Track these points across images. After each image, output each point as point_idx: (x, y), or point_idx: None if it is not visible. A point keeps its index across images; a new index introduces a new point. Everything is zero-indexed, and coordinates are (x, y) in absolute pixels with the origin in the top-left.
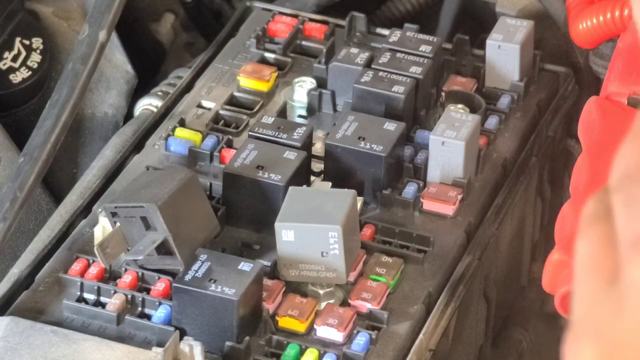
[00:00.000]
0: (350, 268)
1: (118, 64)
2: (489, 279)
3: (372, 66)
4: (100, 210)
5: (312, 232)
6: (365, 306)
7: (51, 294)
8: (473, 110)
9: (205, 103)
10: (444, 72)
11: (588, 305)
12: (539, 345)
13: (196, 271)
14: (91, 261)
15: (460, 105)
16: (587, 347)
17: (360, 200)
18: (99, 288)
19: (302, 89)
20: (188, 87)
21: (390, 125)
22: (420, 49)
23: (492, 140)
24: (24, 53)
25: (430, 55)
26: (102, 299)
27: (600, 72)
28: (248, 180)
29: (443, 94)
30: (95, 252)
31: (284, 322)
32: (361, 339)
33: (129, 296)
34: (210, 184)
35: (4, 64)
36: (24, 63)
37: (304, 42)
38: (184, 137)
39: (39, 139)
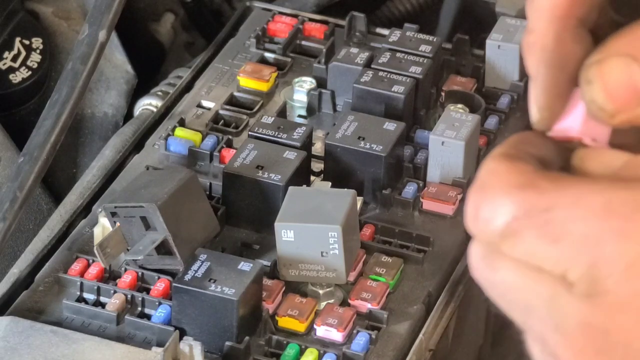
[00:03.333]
0: (350, 268)
1: (118, 64)
2: None
3: (372, 66)
4: (100, 210)
5: (311, 232)
6: (365, 306)
7: (51, 294)
8: (473, 110)
9: (205, 103)
10: (443, 72)
11: None
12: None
13: (196, 271)
14: (91, 261)
15: (460, 105)
16: None
17: (360, 200)
18: (98, 288)
19: (302, 89)
20: (188, 87)
21: (390, 125)
22: (420, 49)
23: (492, 140)
24: (24, 53)
25: (430, 55)
26: (102, 298)
27: None
28: (248, 180)
29: (443, 93)
30: (95, 252)
31: (284, 322)
32: (361, 339)
33: (129, 296)
34: (210, 184)
35: (4, 64)
36: (24, 63)
37: (303, 42)
38: (184, 137)
39: (39, 138)
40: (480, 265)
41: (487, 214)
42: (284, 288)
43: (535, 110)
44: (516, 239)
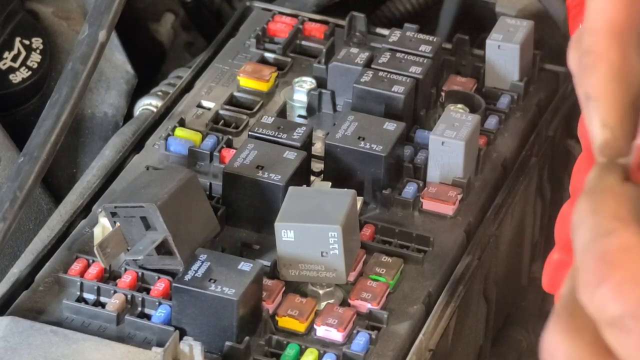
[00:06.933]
0: (350, 268)
1: (118, 64)
2: (489, 279)
3: (372, 66)
4: (100, 210)
5: (311, 232)
6: (365, 306)
7: (51, 294)
8: (473, 110)
9: (205, 103)
10: (443, 72)
11: None
12: (539, 345)
13: (196, 271)
14: (91, 261)
15: (460, 105)
16: None
17: (360, 200)
18: (98, 288)
19: (302, 89)
20: (188, 87)
21: (390, 125)
22: (420, 49)
23: (492, 140)
24: (24, 53)
25: (430, 55)
26: (102, 299)
27: None
28: (248, 180)
29: (443, 94)
30: (95, 252)
31: (284, 322)
32: (361, 339)
33: (129, 296)
34: (210, 184)
35: (4, 64)
36: (24, 63)
37: (303, 42)
38: (184, 137)
39: (39, 139)
40: None
41: (608, 295)
42: (284, 288)
43: (601, 130)
44: (620, 333)
